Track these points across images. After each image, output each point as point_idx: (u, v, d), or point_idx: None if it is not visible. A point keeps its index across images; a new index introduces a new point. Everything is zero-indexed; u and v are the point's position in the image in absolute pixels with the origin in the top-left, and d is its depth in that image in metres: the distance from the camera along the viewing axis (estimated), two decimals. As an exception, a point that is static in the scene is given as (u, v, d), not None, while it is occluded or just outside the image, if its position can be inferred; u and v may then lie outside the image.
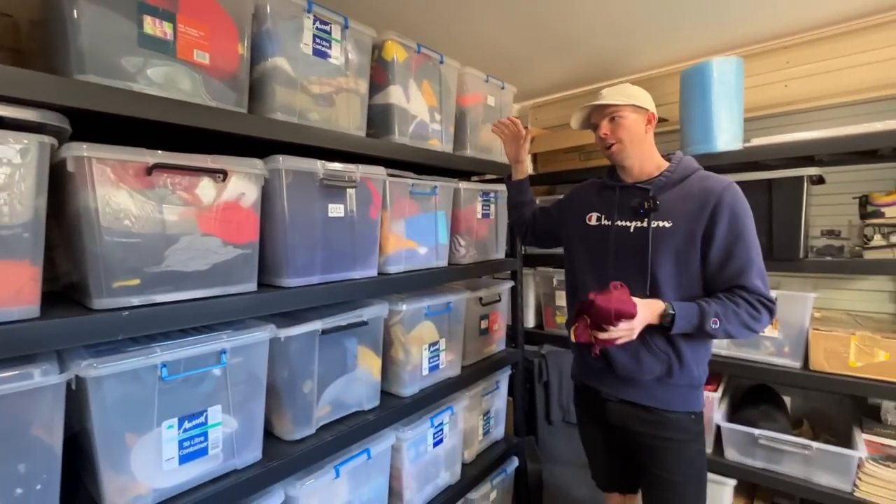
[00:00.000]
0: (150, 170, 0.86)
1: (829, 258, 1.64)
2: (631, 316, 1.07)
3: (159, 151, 0.87)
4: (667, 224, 1.18)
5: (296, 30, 1.13)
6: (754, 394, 1.91)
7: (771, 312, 1.13)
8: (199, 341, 0.93)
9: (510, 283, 1.98)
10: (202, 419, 0.95)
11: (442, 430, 1.56)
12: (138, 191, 0.85)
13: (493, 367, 1.84)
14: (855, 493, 1.52)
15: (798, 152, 1.62)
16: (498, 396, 1.93)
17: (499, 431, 1.98)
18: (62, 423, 0.78)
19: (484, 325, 1.84)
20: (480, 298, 1.78)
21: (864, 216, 1.60)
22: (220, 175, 0.97)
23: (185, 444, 0.93)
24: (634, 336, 1.12)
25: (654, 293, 1.18)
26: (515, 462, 1.98)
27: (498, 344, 1.96)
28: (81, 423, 0.86)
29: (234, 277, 1.01)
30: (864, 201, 1.61)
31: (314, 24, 1.16)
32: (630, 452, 1.32)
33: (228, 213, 0.99)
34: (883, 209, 1.53)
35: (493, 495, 1.83)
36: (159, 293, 0.90)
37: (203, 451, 0.96)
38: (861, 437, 1.56)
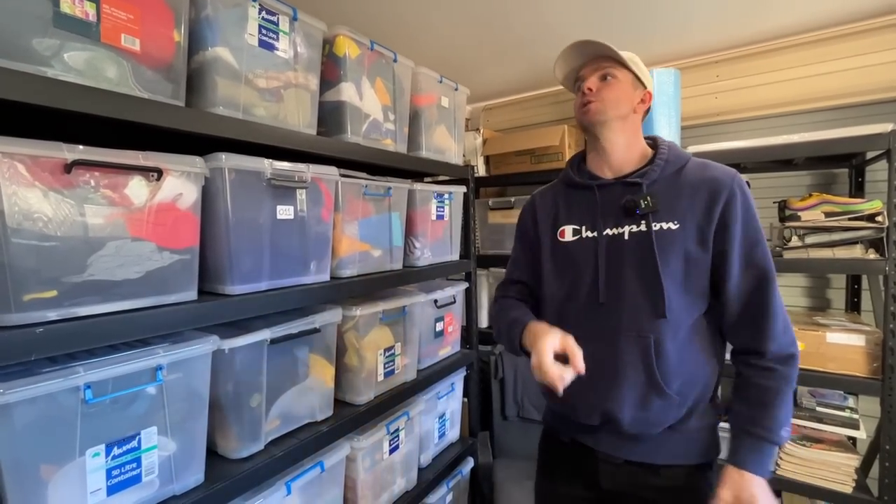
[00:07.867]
0: (70, 167, 0.76)
1: (754, 257, 1.79)
2: None
3: (80, 146, 0.77)
4: (673, 226, 0.92)
5: (239, 18, 1.06)
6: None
7: (796, 358, 0.93)
8: (130, 357, 0.84)
9: (465, 285, 1.98)
10: (134, 443, 0.86)
11: (398, 436, 1.52)
12: (55, 189, 0.75)
13: (448, 369, 1.83)
14: (777, 472, 1.67)
15: (729, 160, 1.74)
16: (453, 398, 1.93)
17: (454, 433, 1.98)
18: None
19: (439, 327, 1.83)
20: (435, 301, 1.77)
21: (783, 219, 1.75)
22: (154, 174, 0.88)
23: (115, 472, 0.83)
24: None
25: (662, 313, 0.91)
26: (471, 463, 1.99)
27: (453, 346, 1.95)
28: (-15, 458, 0.74)
29: (170, 286, 0.93)
30: (782, 206, 1.77)
31: (259, 13, 1.09)
32: None
33: (164, 215, 0.90)
34: (799, 213, 1.68)
35: (449, 497, 1.82)
36: (82, 305, 0.80)
37: (136, 479, 0.87)
38: (782, 420, 1.71)
